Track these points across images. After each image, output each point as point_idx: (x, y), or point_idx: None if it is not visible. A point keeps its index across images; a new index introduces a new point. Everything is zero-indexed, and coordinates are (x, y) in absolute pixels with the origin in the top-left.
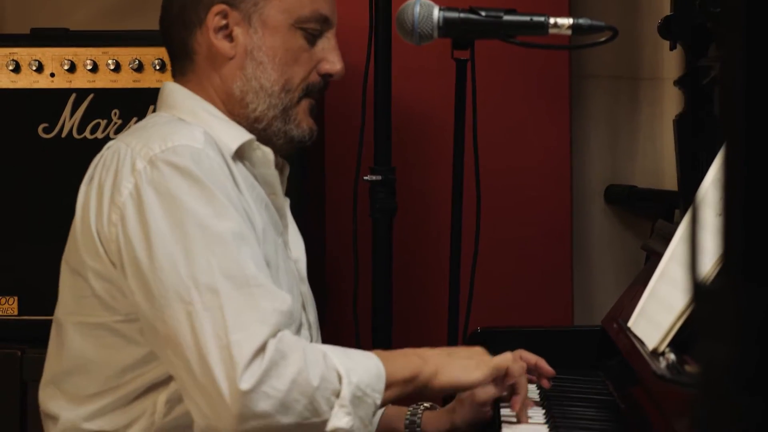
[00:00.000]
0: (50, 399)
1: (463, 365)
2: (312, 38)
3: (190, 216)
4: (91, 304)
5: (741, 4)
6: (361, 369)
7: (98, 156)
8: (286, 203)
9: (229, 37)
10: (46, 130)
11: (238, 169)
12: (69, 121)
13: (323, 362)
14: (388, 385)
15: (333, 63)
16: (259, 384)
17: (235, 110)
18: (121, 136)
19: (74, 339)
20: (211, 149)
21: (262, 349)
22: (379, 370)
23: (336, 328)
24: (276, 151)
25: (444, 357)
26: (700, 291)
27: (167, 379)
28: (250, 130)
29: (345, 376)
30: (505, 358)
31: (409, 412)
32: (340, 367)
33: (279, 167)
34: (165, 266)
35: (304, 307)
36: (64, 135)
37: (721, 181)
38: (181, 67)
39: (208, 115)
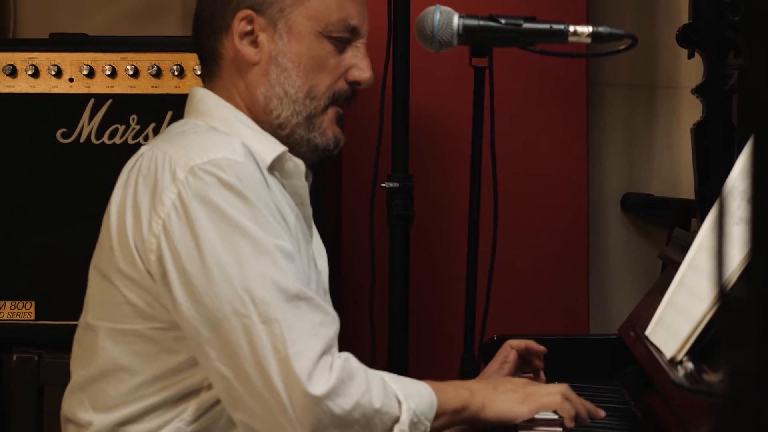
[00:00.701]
0: (77, 406)
1: (509, 399)
2: (340, 46)
3: (238, 229)
4: (123, 311)
5: (765, 12)
6: (417, 396)
7: (132, 161)
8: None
9: (254, 43)
10: (65, 135)
11: (273, 181)
12: (87, 126)
13: (383, 387)
14: (438, 415)
15: (362, 70)
16: (329, 395)
17: (260, 117)
18: (156, 143)
19: (105, 345)
20: (252, 163)
21: (320, 359)
22: (432, 399)
23: (352, 336)
24: (299, 158)
25: (490, 390)
26: (725, 298)
27: (199, 389)
28: (274, 136)
29: (404, 402)
30: (554, 400)
31: None
32: (399, 393)
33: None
34: (218, 278)
35: None
36: (82, 140)
37: (747, 175)
38: (209, 72)
39: (242, 125)
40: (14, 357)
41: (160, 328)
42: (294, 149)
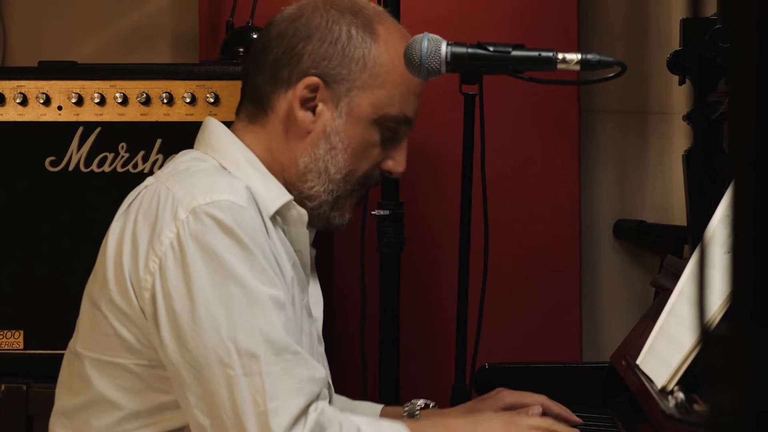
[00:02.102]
0: (60, 418)
1: None
2: (387, 135)
3: (232, 276)
4: (111, 344)
5: (752, 39)
6: None
7: (134, 193)
8: (312, 255)
9: (312, 111)
10: (53, 164)
11: (273, 228)
12: (76, 154)
13: None
14: None
15: (398, 164)
16: None
17: (292, 180)
18: (162, 176)
19: (91, 375)
20: (253, 208)
21: (298, 418)
22: None
23: (343, 363)
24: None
25: (469, 429)
26: (708, 335)
27: (181, 429)
28: (299, 202)
29: None
30: None
31: (406, 412)
32: None
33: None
34: (206, 326)
35: (324, 367)
36: (71, 168)
37: (729, 219)
38: (253, 114)
39: (252, 168)
40: (2, 387)
41: (147, 366)
42: (310, 220)
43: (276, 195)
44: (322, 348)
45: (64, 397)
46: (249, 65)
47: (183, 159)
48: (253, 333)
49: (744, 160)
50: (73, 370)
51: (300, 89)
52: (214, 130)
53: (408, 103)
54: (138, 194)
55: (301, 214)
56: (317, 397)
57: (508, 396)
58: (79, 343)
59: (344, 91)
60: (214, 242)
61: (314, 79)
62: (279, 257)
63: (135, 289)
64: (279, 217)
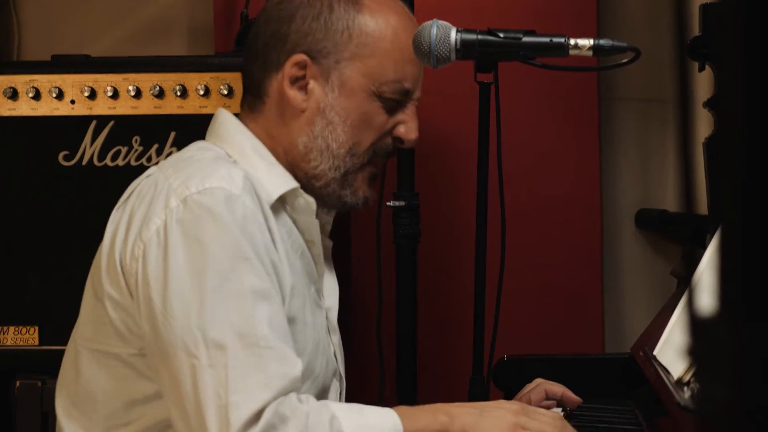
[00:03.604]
0: (63, 411)
1: (493, 427)
2: (390, 106)
3: (212, 265)
4: (108, 333)
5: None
6: (371, 429)
7: (136, 182)
8: (328, 247)
9: (304, 90)
10: (67, 158)
11: (278, 216)
12: (90, 148)
13: (329, 426)
14: None
15: (410, 130)
16: None
17: (296, 162)
18: (164, 164)
19: (90, 366)
20: (249, 196)
21: (260, 413)
22: (395, 429)
23: (359, 355)
24: (323, 207)
25: (474, 416)
26: (698, 328)
27: None
28: (306, 184)
29: None
30: None
31: None
32: (346, 430)
33: (326, 211)
34: (177, 314)
35: (336, 358)
36: (84, 162)
37: (716, 261)
38: (252, 104)
39: (257, 156)
40: (17, 383)
41: (137, 354)
42: (322, 199)
43: (281, 182)
44: (336, 338)
45: (65, 387)
46: (245, 56)
47: (189, 149)
48: (223, 324)
49: (731, 153)
50: (72, 361)
51: (288, 68)
52: (224, 120)
53: (403, 71)
54: (139, 184)
55: (309, 202)
56: (287, 391)
57: (549, 390)
58: (78, 333)
59: (332, 64)
60: (199, 230)
61: (301, 56)
62: (277, 246)
63: (125, 275)
64: (288, 206)
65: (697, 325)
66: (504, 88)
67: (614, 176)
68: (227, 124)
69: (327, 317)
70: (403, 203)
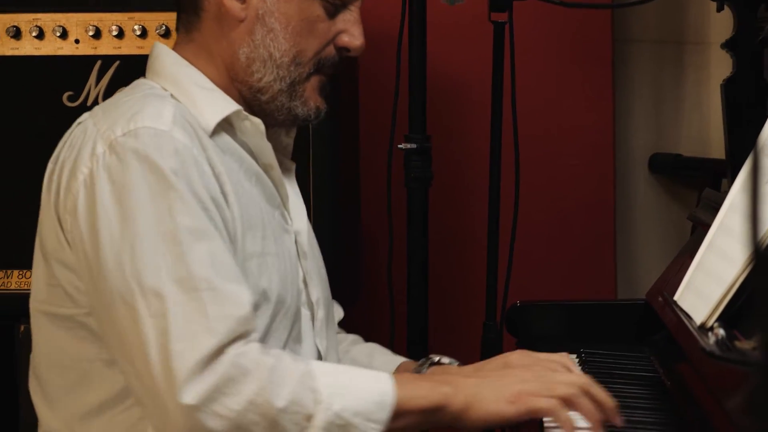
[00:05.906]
0: (35, 394)
1: (498, 398)
2: (333, 10)
3: (142, 210)
4: (59, 294)
5: None
6: (353, 395)
7: (68, 132)
8: (290, 169)
9: None
10: (71, 99)
11: (222, 142)
12: (95, 89)
13: (298, 382)
14: (399, 414)
15: (353, 37)
16: (208, 401)
17: (239, 77)
18: (96, 109)
19: (48, 329)
20: (180, 130)
21: (209, 360)
22: (383, 398)
23: (370, 300)
24: (276, 125)
25: (477, 387)
26: (760, 260)
27: None
28: (252, 99)
29: (324, 401)
30: (549, 407)
31: (415, 369)
32: (324, 390)
33: (283, 131)
34: (110, 265)
35: (305, 284)
36: (89, 103)
37: None
38: (188, 23)
39: (193, 84)
40: (21, 328)
41: (87, 314)
42: (272, 115)
43: (220, 107)
44: (309, 262)
45: (34, 358)
46: None
47: (125, 89)
48: (159, 271)
49: None
50: (34, 328)
51: None
52: (158, 54)
53: None
54: (72, 133)
55: (255, 123)
56: (239, 337)
57: None
58: (33, 297)
59: None
60: (126, 175)
61: None
62: (222, 178)
63: (63, 231)
64: (236, 130)
65: (760, 259)
66: (518, 29)
67: (627, 120)
68: (162, 57)
69: (296, 241)
70: (414, 146)
